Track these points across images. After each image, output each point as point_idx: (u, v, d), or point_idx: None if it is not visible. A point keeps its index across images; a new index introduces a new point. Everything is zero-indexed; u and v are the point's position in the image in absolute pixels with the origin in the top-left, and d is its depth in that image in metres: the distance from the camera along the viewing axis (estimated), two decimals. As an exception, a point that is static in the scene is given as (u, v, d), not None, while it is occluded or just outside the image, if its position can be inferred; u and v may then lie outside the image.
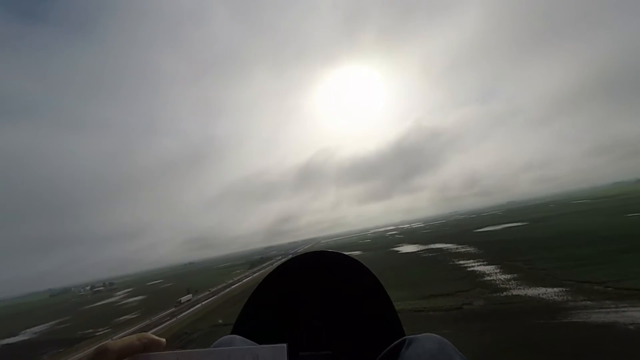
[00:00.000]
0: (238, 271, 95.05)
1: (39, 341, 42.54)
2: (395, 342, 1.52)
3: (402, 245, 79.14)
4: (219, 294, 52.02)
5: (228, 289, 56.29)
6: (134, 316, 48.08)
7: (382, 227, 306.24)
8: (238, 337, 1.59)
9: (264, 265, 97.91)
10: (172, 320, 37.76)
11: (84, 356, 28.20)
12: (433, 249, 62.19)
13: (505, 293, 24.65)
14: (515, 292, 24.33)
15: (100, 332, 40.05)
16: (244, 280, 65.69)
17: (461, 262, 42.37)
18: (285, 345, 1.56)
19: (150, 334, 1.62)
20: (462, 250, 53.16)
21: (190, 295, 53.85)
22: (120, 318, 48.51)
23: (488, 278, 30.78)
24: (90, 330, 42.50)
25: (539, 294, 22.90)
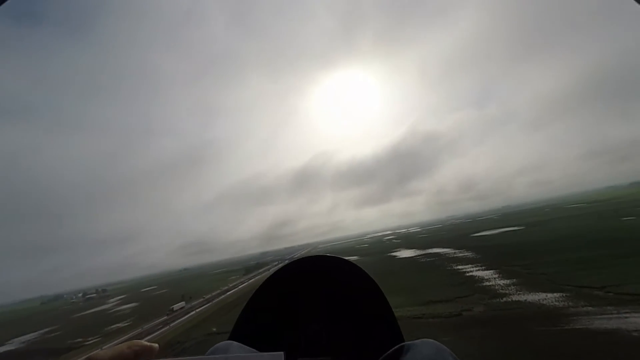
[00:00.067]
0: (233, 277, 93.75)
1: (27, 351, 41.19)
2: (393, 349, 1.48)
3: (399, 250, 78.76)
4: (213, 301, 50.97)
5: (223, 296, 55.25)
6: (126, 324, 46.84)
7: (379, 232, 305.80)
8: (235, 343, 1.52)
9: (259, 271, 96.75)
10: (165, 328, 36.76)
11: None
12: (430, 253, 61.90)
13: (505, 299, 24.33)
14: (515, 298, 24.02)
15: (90, 341, 38.85)
16: (239, 287, 64.66)
17: (459, 267, 42.08)
18: (282, 353, 1.51)
19: (141, 341, 1.51)
20: (460, 254, 52.93)
21: (183, 302, 52.27)
22: (112, 326, 47.23)
23: (487, 283, 30.47)
24: (80, 340, 41.23)
25: (539, 300, 22.60)
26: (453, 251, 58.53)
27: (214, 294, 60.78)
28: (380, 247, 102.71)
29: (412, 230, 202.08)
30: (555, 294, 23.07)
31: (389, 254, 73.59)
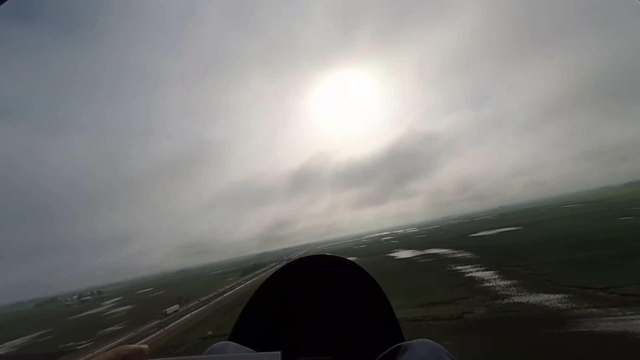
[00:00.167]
0: (231, 279, 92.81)
1: (17, 356, 40.14)
2: (390, 349, 1.50)
3: (397, 251, 78.35)
4: (210, 304, 50.10)
5: (219, 298, 54.39)
6: (120, 327, 45.85)
7: (376, 233, 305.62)
8: (232, 343, 1.54)
9: (257, 272, 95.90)
10: (160, 331, 35.92)
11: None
12: (429, 254, 61.53)
13: (506, 300, 23.90)
14: (516, 299, 23.59)
15: (83, 345, 37.88)
16: (235, 289, 63.82)
17: (458, 267, 41.70)
18: (279, 352, 1.53)
19: (129, 345, 1.52)
20: (459, 255, 52.58)
21: (177, 306, 50.67)
22: (105, 330, 46.20)
23: (487, 284, 30.06)
24: (72, 344, 40.21)
25: (541, 301, 22.20)
26: (451, 252, 58.20)
27: (210, 295, 59.88)
28: (378, 247, 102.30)
29: (409, 230, 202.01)
30: (557, 295, 22.68)
31: (387, 255, 73.14)
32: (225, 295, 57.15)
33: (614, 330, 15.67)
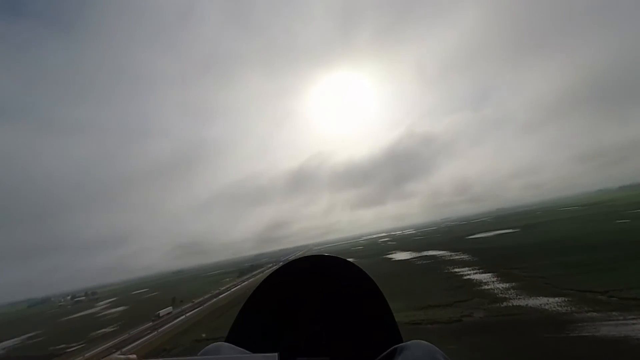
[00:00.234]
0: (227, 279, 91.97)
1: (5, 358, 39.19)
2: (386, 352, 1.51)
3: (395, 253, 78.02)
4: (205, 305, 49.34)
5: (215, 299, 53.64)
6: (113, 329, 45.01)
7: (374, 234, 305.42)
8: (226, 344, 1.53)
9: (254, 273, 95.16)
10: (153, 334, 35.20)
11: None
12: (426, 256, 61.24)
13: (505, 303, 23.56)
14: (515, 303, 23.25)
15: (73, 348, 37.04)
16: (231, 290, 63.09)
17: (456, 269, 41.40)
18: (276, 354, 1.52)
19: (115, 355, 1.51)
20: (456, 257, 52.33)
21: (171, 308, 49.32)
22: (98, 331, 45.33)
23: (485, 287, 29.74)
24: (63, 346, 39.35)
25: (540, 304, 21.87)
26: (449, 254, 57.95)
27: (206, 297, 59.11)
28: (375, 249, 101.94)
29: (407, 232, 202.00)
30: (556, 299, 22.36)
31: (384, 256, 72.77)
32: (221, 296, 56.42)
33: (616, 335, 15.34)
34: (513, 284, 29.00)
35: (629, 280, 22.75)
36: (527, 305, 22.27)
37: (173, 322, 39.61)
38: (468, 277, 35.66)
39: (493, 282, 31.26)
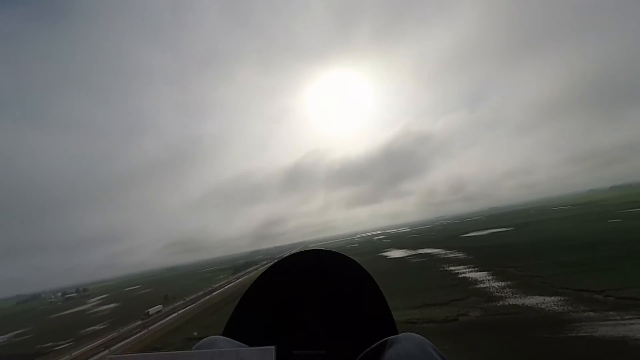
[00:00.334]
0: (221, 276, 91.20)
1: (-9, 356, 38.08)
2: (376, 344, 1.51)
3: (390, 250, 78.05)
4: (198, 302, 48.59)
5: (208, 297, 52.90)
6: (102, 327, 44.09)
7: (369, 232, 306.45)
8: (222, 337, 1.51)
9: (248, 270, 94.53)
10: (143, 332, 34.44)
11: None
12: (422, 254, 61.25)
13: (501, 302, 23.37)
14: (512, 302, 23.07)
15: (61, 346, 36.13)
16: (225, 287, 62.41)
17: (451, 268, 41.31)
18: (273, 347, 1.50)
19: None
20: (451, 255, 52.34)
21: (161, 306, 47.97)
22: (87, 329, 44.38)
23: (481, 285, 29.59)
24: (51, 344, 38.38)
25: (537, 304, 21.70)
26: (444, 252, 58.00)
27: (199, 294, 58.35)
28: (370, 247, 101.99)
29: (401, 230, 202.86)
30: (553, 298, 22.22)
31: (379, 254, 72.71)
32: (214, 293, 55.71)
33: (614, 335, 15.14)
34: (509, 282, 28.89)
35: (624, 280, 22.72)
36: (523, 304, 22.09)
37: (164, 320, 38.84)
38: (463, 275, 35.55)
39: (488, 280, 31.14)
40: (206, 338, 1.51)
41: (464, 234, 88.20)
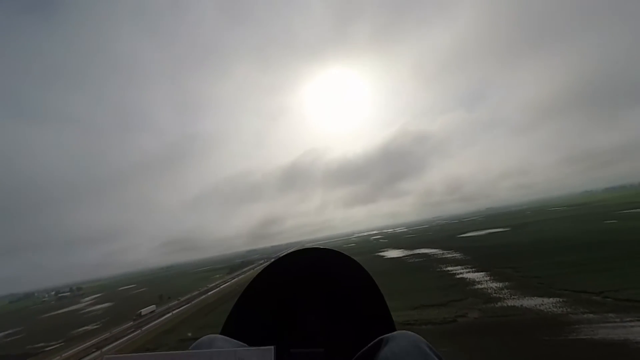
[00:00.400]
0: (217, 276, 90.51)
1: (-21, 357, 37.20)
2: (372, 342, 1.52)
3: (387, 250, 77.86)
4: (193, 302, 47.97)
5: (203, 297, 52.29)
6: (95, 327, 43.34)
7: (366, 232, 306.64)
8: (220, 336, 1.50)
9: (244, 269, 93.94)
10: (137, 332, 33.83)
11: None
12: (419, 254, 61.08)
13: (499, 304, 23.12)
14: (510, 303, 22.83)
15: (52, 347, 35.40)
16: (220, 287, 61.81)
17: (449, 268, 41.12)
18: (272, 347, 1.49)
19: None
20: (449, 255, 52.19)
21: (154, 306, 46.96)
22: (79, 329, 43.60)
23: (479, 286, 29.37)
24: (41, 344, 37.61)
25: (535, 305, 21.47)
26: (441, 252, 57.86)
27: (193, 294, 57.70)
28: (367, 246, 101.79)
29: (398, 230, 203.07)
30: (551, 299, 22.01)
31: (376, 254, 72.47)
32: (209, 293, 55.11)
33: (614, 338, 14.91)
34: (506, 283, 28.69)
35: (623, 281, 22.57)
36: (522, 305, 21.85)
37: (158, 321, 38.21)
38: (461, 275, 35.34)
39: (486, 281, 30.93)
40: (204, 337, 1.48)
41: (461, 234, 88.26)
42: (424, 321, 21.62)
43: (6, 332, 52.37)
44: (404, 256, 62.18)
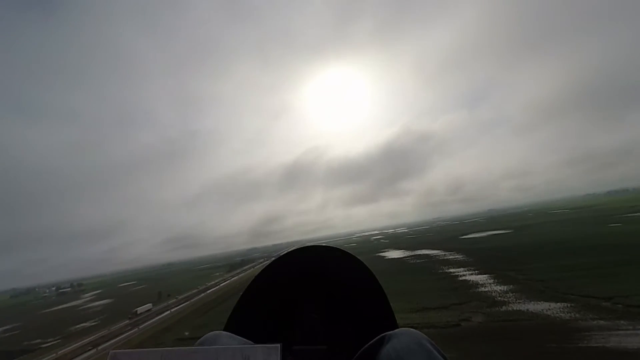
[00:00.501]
0: (217, 274, 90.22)
1: (-24, 353, 36.93)
2: (374, 340, 1.52)
3: (388, 251, 77.29)
4: (192, 300, 47.59)
5: (202, 295, 51.91)
6: (93, 324, 43.02)
7: (366, 231, 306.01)
8: (224, 333, 1.50)
9: (244, 268, 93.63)
10: (134, 330, 33.45)
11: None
12: (420, 255, 60.50)
13: (504, 307, 22.52)
14: (515, 307, 22.22)
15: (49, 343, 35.06)
16: (220, 285, 61.46)
17: (451, 270, 40.51)
18: (279, 345, 1.50)
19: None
20: (450, 257, 51.57)
21: (150, 305, 46.03)
22: (77, 326, 43.29)
23: (482, 289, 28.76)
24: (39, 341, 37.30)
25: (542, 310, 20.87)
26: (443, 253, 57.24)
27: (193, 292, 57.35)
28: (368, 246, 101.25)
29: (399, 230, 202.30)
30: (559, 304, 21.38)
31: (377, 254, 71.92)
32: (208, 291, 54.74)
33: (627, 346, 14.30)
34: (511, 286, 28.06)
35: (631, 286, 21.88)
36: (528, 310, 21.23)
37: (156, 319, 37.80)
38: (464, 278, 34.73)
39: (490, 284, 30.32)
40: (209, 333, 1.49)
41: (463, 235, 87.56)
42: (427, 324, 21.02)
43: (5, 328, 52.19)
44: (405, 257, 61.60)
